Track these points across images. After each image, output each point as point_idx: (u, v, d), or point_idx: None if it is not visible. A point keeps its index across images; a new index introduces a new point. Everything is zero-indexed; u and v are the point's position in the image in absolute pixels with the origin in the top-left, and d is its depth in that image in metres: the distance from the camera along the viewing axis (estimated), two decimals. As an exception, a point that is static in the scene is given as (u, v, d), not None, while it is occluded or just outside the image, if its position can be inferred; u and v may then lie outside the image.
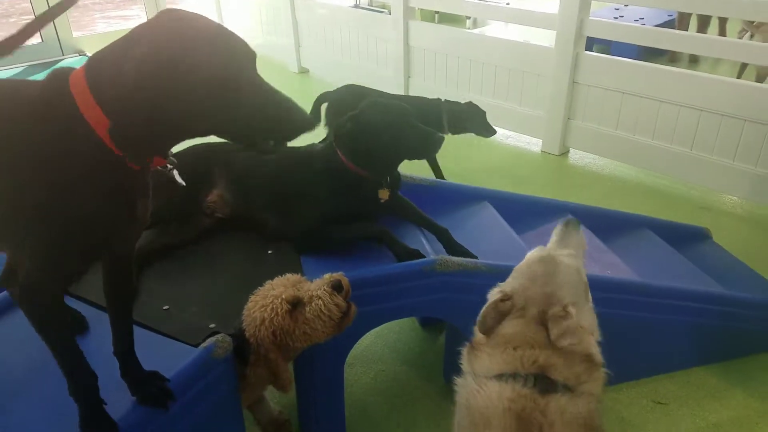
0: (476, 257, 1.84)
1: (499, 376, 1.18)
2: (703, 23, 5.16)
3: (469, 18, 6.71)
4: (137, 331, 1.34)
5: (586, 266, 2.08)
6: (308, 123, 1.05)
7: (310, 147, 2.01)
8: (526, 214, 2.41)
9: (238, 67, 1.00)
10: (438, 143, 1.91)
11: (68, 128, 0.99)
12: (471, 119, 3.23)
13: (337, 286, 1.47)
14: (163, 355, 1.43)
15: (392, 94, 3.35)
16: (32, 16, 3.89)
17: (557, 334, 1.20)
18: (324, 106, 3.29)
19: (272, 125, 1.04)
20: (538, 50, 3.75)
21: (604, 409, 1.98)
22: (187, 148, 2.08)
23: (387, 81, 4.41)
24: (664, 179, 3.48)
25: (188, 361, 1.39)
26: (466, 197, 2.27)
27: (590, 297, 1.35)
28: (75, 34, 5.59)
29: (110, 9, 6.81)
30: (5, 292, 1.63)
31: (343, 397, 1.83)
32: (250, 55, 1.03)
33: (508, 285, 1.33)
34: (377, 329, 2.34)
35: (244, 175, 1.98)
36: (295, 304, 1.45)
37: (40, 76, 1.04)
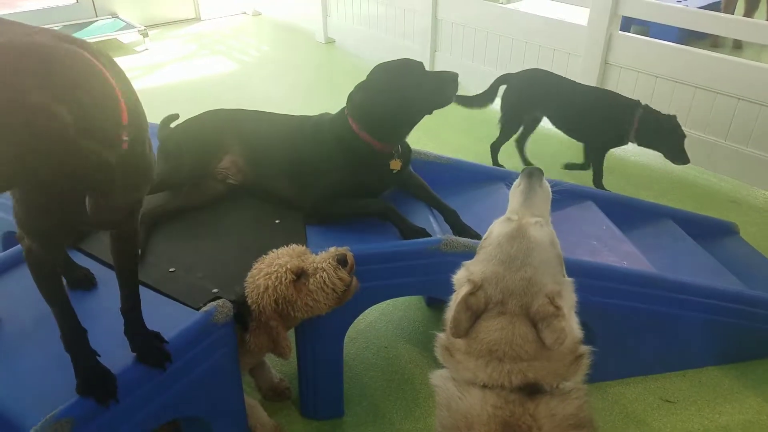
0: (484, 239, 1.78)
1: (484, 386, 1.10)
2: (752, 7, 4.90)
3: (504, -8, 6.50)
4: (143, 290, 1.36)
5: (601, 255, 2.03)
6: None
7: (323, 116, 1.95)
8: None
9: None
10: (455, 86, 1.80)
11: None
12: (666, 138, 2.73)
13: (342, 261, 1.47)
14: (165, 315, 1.44)
15: (584, 85, 3.06)
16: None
17: (552, 340, 1.08)
18: (503, 89, 3.06)
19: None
20: (570, 28, 3.60)
21: (609, 403, 1.93)
22: (202, 114, 2.06)
23: (412, 54, 4.27)
24: (693, 169, 3.33)
25: (188, 324, 1.41)
26: (481, 178, 2.20)
27: (564, 268, 1.22)
28: (108, -5, 5.59)
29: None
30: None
31: (342, 371, 1.81)
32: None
33: (475, 270, 1.18)
34: (382, 306, 2.31)
35: (256, 142, 1.95)
36: (299, 275, 1.46)
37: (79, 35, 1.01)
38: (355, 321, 2.21)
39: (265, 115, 2.04)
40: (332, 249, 1.52)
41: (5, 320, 1.48)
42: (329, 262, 1.46)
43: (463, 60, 4.24)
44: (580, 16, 3.59)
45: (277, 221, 1.84)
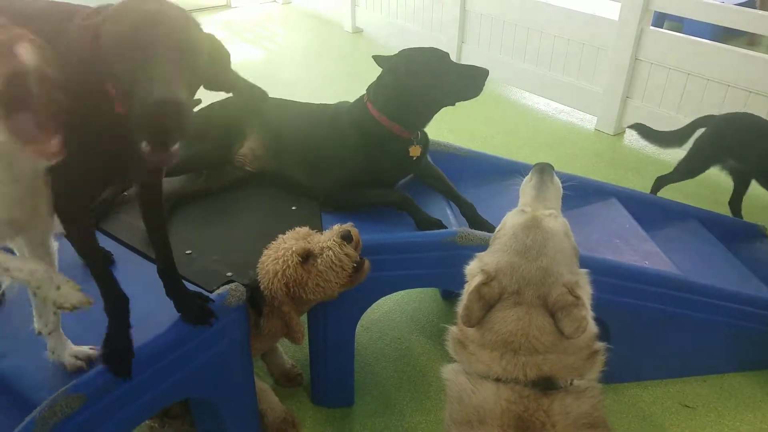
0: (501, 233, 1.76)
1: (497, 379, 1.08)
2: (792, 5, 4.74)
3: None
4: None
5: (623, 253, 1.99)
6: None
7: (341, 104, 1.94)
8: (565, 194, 2.28)
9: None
10: (483, 81, 1.81)
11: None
12: None
13: (346, 237, 1.46)
14: None
15: None
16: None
17: (572, 328, 1.06)
18: (701, 132, 2.59)
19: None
20: (600, 22, 3.52)
21: (625, 405, 1.89)
22: (224, 100, 2.06)
23: (439, 45, 4.24)
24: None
25: (201, 305, 1.41)
26: (500, 170, 2.16)
27: (578, 260, 1.21)
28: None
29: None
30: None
31: (353, 359, 1.82)
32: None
33: (490, 261, 1.16)
34: (397, 297, 2.30)
35: (275, 129, 1.95)
36: (306, 257, 1.45)
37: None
38: (369, 311, 2.21)
39: (285, 102, 2.04)
40: (335, 226, 1.51)
41: (21, 303, 1.50)
42: (334, 240, 1.46)
43: (490, 52, 4.18)
44: (610, 10, 3.52)
45: (293, 208, 1.84)
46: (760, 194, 3.07)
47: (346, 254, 1.45)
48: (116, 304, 1.25)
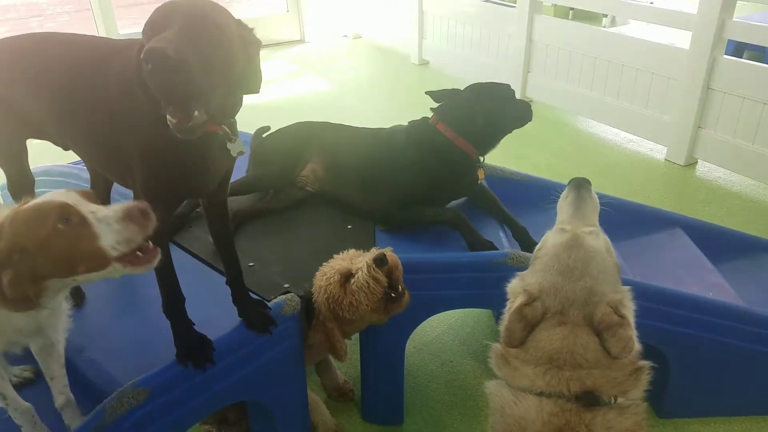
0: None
1: (540, 393, 1.09)
2: None
3: (605, 16, 6.35)
4: (223, 281, 1.50)
5: (685, 284, 1.93)
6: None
7: (395, 127, 2.04)
8: (628, 222, 2.24)
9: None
10: (530, 108, 2.00)
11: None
12: None
13: (378, 261, 1.48)
14: None
15: None
16: None
17: (619, 348, 1.06)
18: None
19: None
20: (670, 51, 3.46)
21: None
22: (289, 125, 2.20)
23: (505, 76, 4.30)
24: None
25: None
26: (557, 197, 2.15)
27: (620, 276, 1.21)
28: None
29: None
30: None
31: (403, 377, 1.84)
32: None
33: (532, 281, 1.17)
34: (450, 320, 2.32)
35: (334, 151, 2.05)
36: (347, 277, 1.50)
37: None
38: (422, 333, 2.25)
39: (345, 127, 2.15)
40: (373, 249, 1.55)
41: (98, 301, 1.65)
42: (366, 263, 1.49)
43: (556, 81, 4.18)
44: (681, 39, 3.45)
45: (349, 227, 1.92)
46: None
47: (374, 278, 1.47)
48: (174, 301, 1.35)
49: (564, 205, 1.33)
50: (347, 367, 2.10)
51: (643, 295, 1.65)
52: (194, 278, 1.66)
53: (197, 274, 1.71)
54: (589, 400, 1.05)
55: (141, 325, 1.58)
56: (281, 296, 1.56)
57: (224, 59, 1.08)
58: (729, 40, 3.23)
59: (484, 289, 1.70)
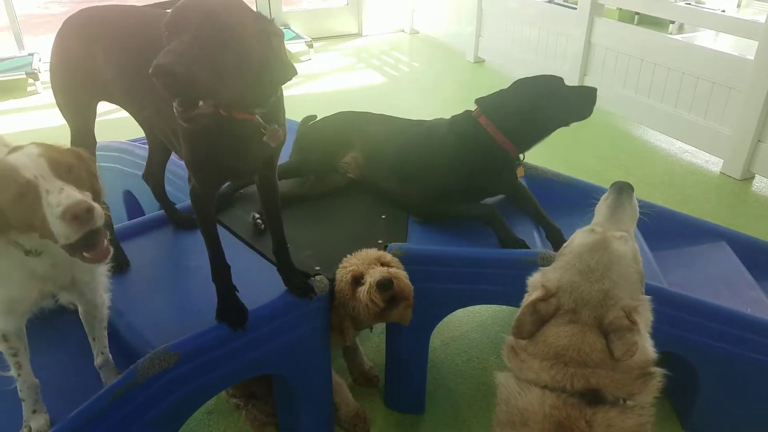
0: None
1: (545, 386, 1.10)
2: None
3: (673, 23, 6.13)
4: (262, 260, 1.63)
5: (723, 297, 1.87)
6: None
7: (438, 119, 2.06)
8: (673, 232, 2.20)
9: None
10: (593, 100, 1.92)
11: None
12: None
13: (380, 285, 1.51)
14: (275, 281, 1.61)
15: None
16: None
17: (622, 351, 1.06)
18: None
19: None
20: (733, 60, 3.33)
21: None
22: (334, 114, 2.25)
23: (561, 77, 4.22)
24: None
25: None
26: (597, 200, 2.12)
27: (643, 286, 1.19)
28: (284, 9, 6.16)
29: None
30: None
31: (426, 368, 1.87)
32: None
33: (552, 277, 1.18)
34: (479, 318, 2.33)
35: (375, 141, 2.09)
36: (357, 281, 1.57)
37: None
38: (449, 328, 2.27)
39: (387, 118, 2.19)
40: (383, 269, 1.57)
41: (141, 269, 1.74)
42: (370, 282, 1.53)
43: (613, 86, 4.09)
44: (746, 48, 3.32)
45: (383, 217, 1.96)
46: None
47: (371, 299, 1.52)
48: (221, 270, 1.47)
49: (602, 207, 1.33)
50: (374, 354, 2.14)
51: (672, 303, 1.63)
52: (232, 254, 1.74)
53: (237, 249, 1.79)
54: (591, 397, 1.06)
55: (179, 294, 1.67)
56: (312, 278, 1.61)
57: (237, 58, 1.13)
58: (798, 52, 3.09)
59: (512, 286, 1.68)
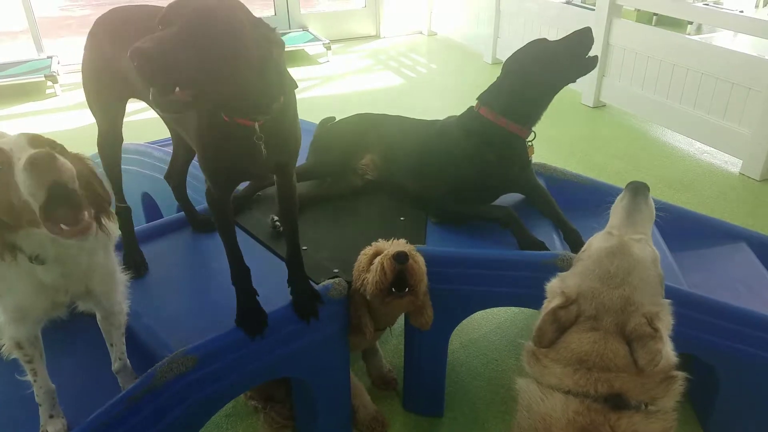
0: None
1: (568, 392, 1.10)
2: None
3: (691, 23, 6.06)
4: (281, 262, 1.61)
5: (744, 299, 1.84)
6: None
7: (448, 118, 2.06)
8: (692, 233, 2.17)
9: None
10: (588, 38, 1.85)
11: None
12: None
13: (396, 256, 1.49)
14: None
15: None
16: None
17: (646, 360, 1.06)
18: None
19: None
20: (752, 60, 3.28)
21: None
22: (351, 116, 2.26)
23: (579, 80, 4.20)
24: None
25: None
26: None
27: (663, 289, 1.18)
28: (302, 11, 6.19)
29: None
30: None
31: (445, 370, 1.87)
32: None
33: (571, 283, 1.16)
34: (499, 320, 2.32)
35: (392, 142, 2.10)
36: (376, 255, 1.55)
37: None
38: (469, 330, 2.27)
39: (403, 119, 2.19)
40: (402, 241, 1.57)
41: (159, 271, 1.76)
42: (387, 251, 1.51)
43: (632, 86, 4.06)
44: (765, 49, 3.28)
45: (401, 218, 1.96)
46: None
47: (383, 267, 1.49)
48: (240, 273, 1.47)
49: (617, 209, 1.30)
50: (392, 357, 2.15)
51: (692, 305, 1.61)
52: (252, 255, 1.75)
53: (256, 250, 1.81)
54: (616, 402, 1.05)
55: (197, 296, 1.68)
56: (329, 280, 1.62)
57: (228, 55, 1.10)
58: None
59: (531, 288, 1.68)
